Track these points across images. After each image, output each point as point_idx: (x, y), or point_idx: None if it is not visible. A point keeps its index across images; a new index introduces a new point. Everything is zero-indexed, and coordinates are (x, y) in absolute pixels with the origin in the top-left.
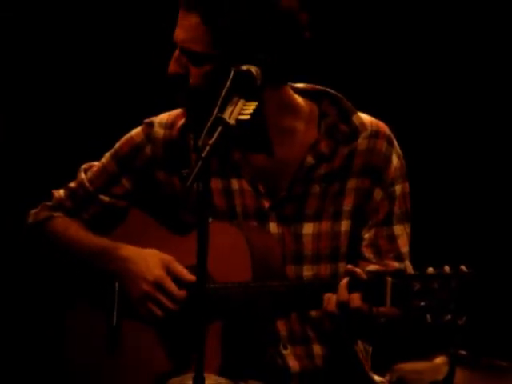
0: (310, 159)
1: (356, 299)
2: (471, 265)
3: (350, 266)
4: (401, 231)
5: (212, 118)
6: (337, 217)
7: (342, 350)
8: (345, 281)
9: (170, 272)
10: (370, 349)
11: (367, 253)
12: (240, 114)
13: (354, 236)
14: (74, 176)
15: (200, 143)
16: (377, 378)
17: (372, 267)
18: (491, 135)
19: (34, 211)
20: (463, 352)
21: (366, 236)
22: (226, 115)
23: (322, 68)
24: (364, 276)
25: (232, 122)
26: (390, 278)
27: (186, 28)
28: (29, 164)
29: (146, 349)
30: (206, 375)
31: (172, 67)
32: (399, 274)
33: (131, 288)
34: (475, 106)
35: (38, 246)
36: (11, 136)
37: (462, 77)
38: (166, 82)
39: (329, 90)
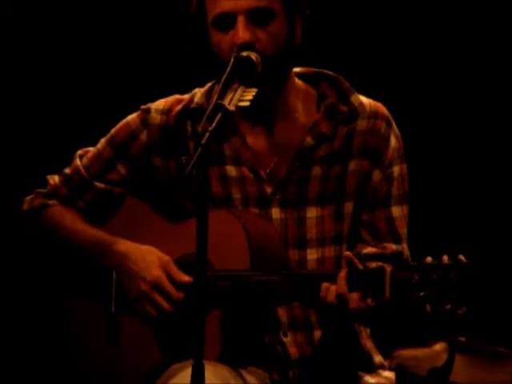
0: (309, 140)
1: (355, 298)
2: (469, 253)
3: (348, 254)
4: (399, 213)
5: (212, 105)
6: (340, 199)
7: (343, 331)
8: (344, 272)
9: (167, 272)
10: (368, 329)
11: (365, 235)
12: (240, 100)
13: (356, 218)
14: (69, 162)
15: (199, 129)
16: (377, 358)
17: (369, 250)
18: (491, 121)
19: (28, 198)
20: (462, 338)
21: (365, 218)
22: (225, 101)
23: (322, 52)
24: (361, 266)
25: (232, 108)
26: (388, 269)
27: None
28: (24, 150)
29: (144, 338)
30: (205, 362)
31: (243, 35)
32: (396, 258)
33: (129, 286)
34: (474, 90)
35: (33, 234)
36: (6, 121)
37: (460, 62)
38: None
39: (326, 71)
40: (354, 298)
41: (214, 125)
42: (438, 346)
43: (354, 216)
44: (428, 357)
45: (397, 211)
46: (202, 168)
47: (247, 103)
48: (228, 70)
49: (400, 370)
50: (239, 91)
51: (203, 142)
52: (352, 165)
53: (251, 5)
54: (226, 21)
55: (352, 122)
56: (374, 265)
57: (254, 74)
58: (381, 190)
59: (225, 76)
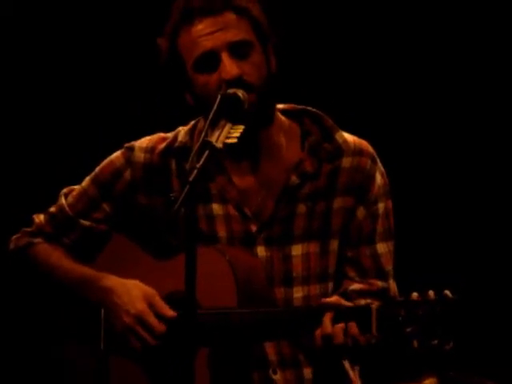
0: (294, 179)
1: (339, 334)
2: (455, 288)
3: (332, 301)
4: (384, 249)
5: (199, 142)
6: (325, 236)
7: (330, 368)
8: (329, 314)
9: (151, 306)
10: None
11: (351, 272)
12: (227, 137)
13: (341, 255)
14: (54, 200)
15: (187, 167)
16: None
17: (356, 286)
18: (474, 159)
19: (14, 237)
20: (452, 373)
21: (350, 254)
22: (213, 139)
23: (304, 89)
24: (344, 305)
25: (219, 145)
26: (374, 306)
27: (228, 27)
28: (10, 187)
29: (134, 377)
30: None
31: (231, 70)
32: (383, 295)
33: (114, 320)
34: (458, 119)
35: (20, 273)
36: None
37: (445, 94)
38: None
39: (309, 108)
40: (338, 331)
41: (201, 162)
42: (428, 382)
43: (340, 253)
44: None
45: (382, 248)
46: (190, 205)
47: (234, 140)
48: (215, 107)
49: None
50: (226, 128)
51: (191, 179)
52: (337, 202)
53: (230, 38)
54: (209, 61)
55: (336, 160)
56: (363, 302)
57: (241, 111)
58: (366, 226)
59: (212, 114)
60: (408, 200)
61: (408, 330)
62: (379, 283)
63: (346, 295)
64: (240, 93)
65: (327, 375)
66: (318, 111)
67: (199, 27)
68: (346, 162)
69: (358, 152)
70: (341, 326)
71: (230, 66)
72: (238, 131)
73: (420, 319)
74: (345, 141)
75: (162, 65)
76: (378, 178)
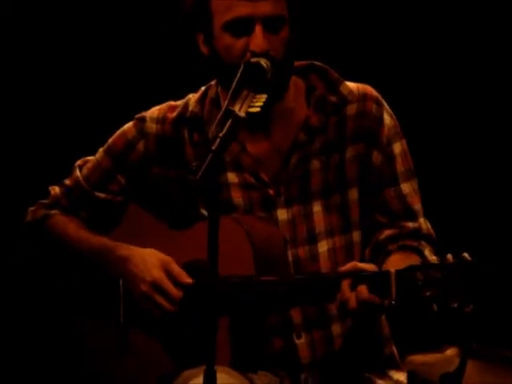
0: (302, 136)
1: (352, 300)
2: (473, 250)
3: (347, 268)
4: (408, 188)
5: (222, 111)
6: (344, 187)
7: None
8: (347, 281)
9: (168, 273)
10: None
11: (380, 218)
12: (250, 106)
13: (364, 203)
14: (68, 168)
15: (210, 136)
16: (388, 349)
17: (387, 233)
18: (490, 117)
19: (31, 209)
20: (475, 344)
21: (376, 201)
22: (236, 108)
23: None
24: (361, 268)
25: (242, 114)
26: (393, 271)
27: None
28: (22, 160)
29: (154, 347)
30: (217, 367)
31: (262, 44)
32: (415, 235)
33: (132, 288)
34: (474, 83)
35: (37, 245)
36: (4, 131)
37: (458, 54)
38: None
39: (314, 62)
40: (352, 299)
41: (224, 131)
42: (450, 352)
43: (362, 202)
44: (440, 362)
45: (406, 187)
46: (213, 174)
47: (258, 109)
48: (238, 76)
49: (412, 375)
50: (249, 97)
51: (214, 148)
52: (349, 151)
53: (269, 12)
54: (241, 26)
55: (341, 110)
56: (396, 247)
57: (263, 81)
58: (385, 169)
59: (235, 83)
60: (422, 161)
61: (427, 293)
62: (410, 224)
63: (379, 245)
64: (263, 62)
65: (360, 330)
66: (323, 65)
67: None
68: (351, 109)
69: (362, 97)
70: (353, 293)
71: (261, 40)
72: (260, 100)
73: (439, 282)
74: (350, 91)
75: (185, 10)
76: (387, 120)
